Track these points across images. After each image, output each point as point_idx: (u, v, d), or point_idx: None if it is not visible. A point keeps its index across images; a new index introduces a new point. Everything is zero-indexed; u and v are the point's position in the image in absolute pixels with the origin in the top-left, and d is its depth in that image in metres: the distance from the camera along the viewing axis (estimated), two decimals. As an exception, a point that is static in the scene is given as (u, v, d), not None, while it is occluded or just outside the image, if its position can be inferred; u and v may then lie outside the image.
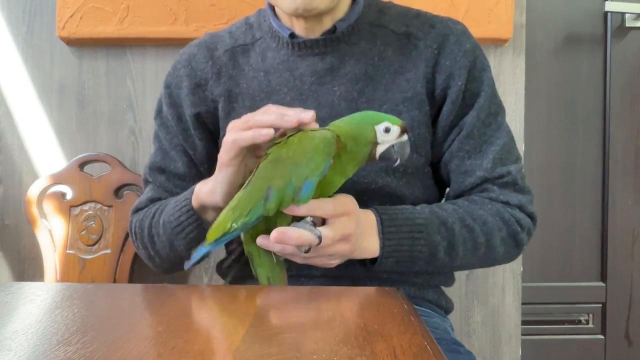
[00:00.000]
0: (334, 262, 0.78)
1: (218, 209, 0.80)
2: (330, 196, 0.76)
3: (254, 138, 0.73)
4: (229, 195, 0.76)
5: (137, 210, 0.98)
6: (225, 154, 0.76)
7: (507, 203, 0.88)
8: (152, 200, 0.96)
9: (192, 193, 0.84)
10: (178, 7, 1.36)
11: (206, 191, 0.81)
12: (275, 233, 0.69)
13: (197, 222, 0.84)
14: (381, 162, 0.76)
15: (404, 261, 0.82)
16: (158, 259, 0.93)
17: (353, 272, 0.87)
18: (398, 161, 0.75)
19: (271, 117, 0.73)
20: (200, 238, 0.82)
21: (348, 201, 0.77)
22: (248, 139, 0.73)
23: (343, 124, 0.74)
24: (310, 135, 0.71)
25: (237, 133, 0.74)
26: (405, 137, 0.74)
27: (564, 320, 1.82)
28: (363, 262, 0.85)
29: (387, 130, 0.73)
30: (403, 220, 0.82)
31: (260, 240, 0.73)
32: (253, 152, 0.77)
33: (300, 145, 0.71)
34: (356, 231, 0.76)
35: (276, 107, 0.74)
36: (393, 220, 0.81)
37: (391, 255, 0.81)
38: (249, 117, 0.74)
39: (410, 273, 0.89)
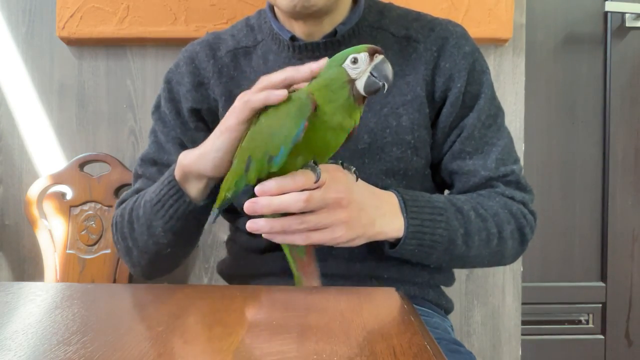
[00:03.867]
0: (340, 235, 0.73)
1: (201, 178, 0.79)
2: (332, 159, 0.75)
3: (267, 99, 0.70)
4: (221, 162, 0.75)
5: (122, 202, 0.95)
6: (233, 117, 0.74)
7: (512, 198, 0.88)
8: (139, 192, 0.94)
9: (175, 167, 0.82)
10: (178, 7, 1.36)
11: (193, 157, 0.78)
12: (248, 204, 0.70)
13: (178, 195, 0.82)
14: (371, 95, 0.70)
15: (425, 246, 0.80)
16: (136, 251, 0.90)
17: (353, 271, 0.87)
18: (385, 85, 0.68)
19: (284, 74, 0.71)
20: (180, 213, 0.82)
21: (329, 169, 0.73)
22: (261, 99, 0.71)
23: (316, 78, 0.71)
24: (287, 98, 0.69)
25: (250, 95, 0.72)
26: (379, 57, 0.68)
27: (564, 320, 1.82)
28: (381, 249, 0.83)
29: (354, 61, 0.68)
30: (424, 202, 0.81)
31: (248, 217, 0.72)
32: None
33: (276, 111, 0.70)
34: (351, 198, 0.73)
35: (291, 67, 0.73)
36: (415, 202, 0.80)
37: (414, 237, 0.79)
38: (263, 79, 0.73)
39: (410, 272, 0.89)
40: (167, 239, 0.85)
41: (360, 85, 0.68)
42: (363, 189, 0.77)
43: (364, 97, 0.69)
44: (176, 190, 0.81)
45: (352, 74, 0.68)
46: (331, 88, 0.68)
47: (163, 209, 0.83)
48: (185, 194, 0.81)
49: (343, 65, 0.68)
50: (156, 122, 0.97)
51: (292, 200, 0.69)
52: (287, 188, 0.69)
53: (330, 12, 0.87)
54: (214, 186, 0.82)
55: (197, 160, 0.78)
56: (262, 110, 0.72)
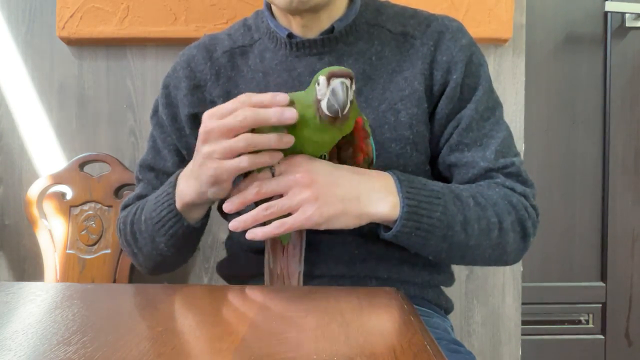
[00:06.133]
0: (312, 214, 0.72)
1: (203, 206, 0.82)
2: None
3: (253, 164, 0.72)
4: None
5: (126, 206, 0.98)
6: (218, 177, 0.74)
7: (512, 190, 0.86)
8: (140, 197, 0.96)
9: (172, 187, 0.82)
10: (178, 7, 1.36)
11: (192, 193, 0.78)
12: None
13: (176, 219, 0.83)
14: (335, 115, 0.68)
15: (422, 229, 0.77)
16: (141, 256, 0.92)
17: (353, 271, 0.87)
18: (339, 110, 0.67)
19: (247, 118, 0.70)
20: (180, 234, 0.84)
21: (287, 159, 0.74)
22: (233, 168, 0.72)
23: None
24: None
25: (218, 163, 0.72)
26: (334, 81, 0.67)
27: (564, 320, 1.82)
28: (382, 249, 0.83)
29: (318, 83, 0.68)
30: (420, 185, 0.79)
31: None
32: None
33: None
34: (313, 176, 0.73)
35: (250, 99, 0.71)
36: (411, 182, 0.78)
37: (411, 218, 0.76)
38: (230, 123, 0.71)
39: (410, 272, 0.89)
40: (170, 252, 0.88)
41: (323, 105, 0.68)
42: (336, 167, 0.76)
43: (334, 118, 0.68)
44: (174, 214, 0.83)
45: (318, 94, 0.69)
46: (302, 103, 0.70)
47: (164, 228, 0.84)
48: (184, 218, 0.83)
49: (315, 85, 0.69)
50: (154, 127, 0.98)
51: (248, 190, 0.74)
52: (244, 187, 0.75)
53: (326, 7, 0.87)
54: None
55: (198, 196, 0.78)
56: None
